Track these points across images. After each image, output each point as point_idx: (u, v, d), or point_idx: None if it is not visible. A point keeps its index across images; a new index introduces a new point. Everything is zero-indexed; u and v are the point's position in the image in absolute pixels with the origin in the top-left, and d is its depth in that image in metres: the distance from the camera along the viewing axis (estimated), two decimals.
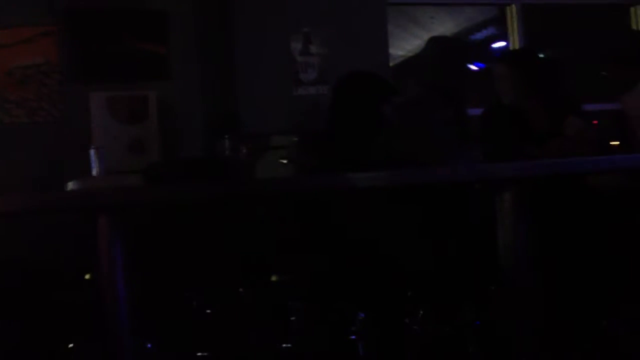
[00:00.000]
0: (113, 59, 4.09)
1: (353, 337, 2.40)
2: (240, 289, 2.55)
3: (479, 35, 5.78)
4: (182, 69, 4.18)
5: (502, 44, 5.32)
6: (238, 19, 4.31)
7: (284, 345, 2.43)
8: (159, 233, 2.59)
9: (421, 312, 2.41)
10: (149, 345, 2.41)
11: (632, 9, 5.38)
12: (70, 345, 2.46)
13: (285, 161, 3.12)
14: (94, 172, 3.40)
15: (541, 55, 3.46)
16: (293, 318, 2.43)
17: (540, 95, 2.88)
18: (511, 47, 5.14)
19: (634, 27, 5.32)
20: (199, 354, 2.47)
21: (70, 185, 3.21)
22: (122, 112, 4.04)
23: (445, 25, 5.54)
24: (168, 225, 2.60)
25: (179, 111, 4.15)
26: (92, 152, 3.44)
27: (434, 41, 3.16)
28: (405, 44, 5.35)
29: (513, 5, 5.12)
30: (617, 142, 3.02)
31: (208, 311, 2.56)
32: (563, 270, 2.43)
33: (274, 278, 2.46)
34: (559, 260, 2.39)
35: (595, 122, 3.48)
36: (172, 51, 4.18)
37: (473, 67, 5.71)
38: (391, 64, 5.08)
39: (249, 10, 4.33)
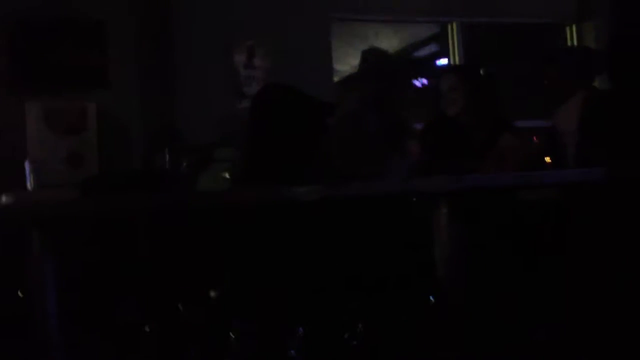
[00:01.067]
0: (51, 69, 4.00)
1: (292, 352, 2.39)
2: (179, 305, 2.51)
3: (422, 52, 5.88)
4: (121, 79, 4.12)
5: (444, 60, 5.42)
6: (180, 29, 4.28)
7: None
8: (97, 246, 2.54)
9: (360, 325, 2.42)
10: None
11: (567, 28, 5.57)
12: None
13: (227, 175, 3.10)
14: (29, 185, 3.31)
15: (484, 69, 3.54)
16: (232, 335, 2.40)
17: (483, 109, 2.93)
18: (452, 63, 5.25)
19: (569, 44, 5.50)
20: None
21: (3, 199, 3.12)
22: (59, 124, 3.95)
23: (390, 42, 5.61)
24: (106, 238, 2.55)
25: (118, 123, 4.08)
26: (27, 164, 3.35)
27: (367, 53, 3.20)
28: (350, 60, 5.40)
29: (454, 23, 5.23)
30: (549, 160, 3.11)
31: (146, 328, 2.51)
32: (499, 283, 2.48)
33: (212, 294, 2.43)
34: (495, 274, 2.43)
35: (535, 138, 3.57)
36: (111, 61, 4.12)
37: (417, 83, 5.81)
38: (336, 79, 5.12)
39: (191, 21, 4.30)
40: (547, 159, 3.04)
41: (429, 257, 2.28)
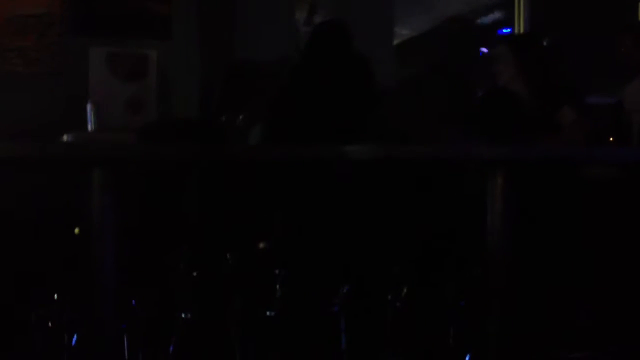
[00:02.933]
0: (116, 15, 4.07)
1: (336, 309, 2.42)
2: (227, 254, 2.57)
3: (486, 20, 5.76)
4: (183, 30, 4.16)
5: (508, 30, 5.30)
6: None
7: (267, 312, 2.45)
8: (148, 193, 2.60)
9: (405, 289, 2.43)
10: (133, 303, 2.42)
11: None
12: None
13: None
14: (90, 126, 3.40)
15: (544, 42, 3.44)
16: (278, 286, 2.45)
17: (537, 79, 2.86)
18: (516, 32, 5.12)
19: None
20: (183, 315, 2.48)
21: (65, 138, 3.21)
22: (121, 69, 4.02)
23: (452, 7, 5.50)
24: (156, 187, 2.60)
25: (178, 71, 4.14)
26: (88, 106, 3.43)
27: (453, 22, 3.14)
28: (411, 23, 5.32)
29: None
30: (612, 138, 3.01)
31: (194, 274, 2.57)
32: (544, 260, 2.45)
33: (261, 245, 2.47)
34: (543, 250, 2.40)
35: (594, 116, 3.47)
36: (174, 11, 4.16)
37: (481, 51, 5.70)
38: (396, 42, 5.05)
39: None
40: (611, 139, 2.96)
41: (479, 226, 2.26)
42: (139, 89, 4.00)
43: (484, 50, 5.63)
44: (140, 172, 2.45)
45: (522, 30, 5.09)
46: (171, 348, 2.38)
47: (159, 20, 4.15)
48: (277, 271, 2.44)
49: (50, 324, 2.38)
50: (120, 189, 1.95)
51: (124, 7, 4.10)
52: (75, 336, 2.33)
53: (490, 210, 2.22)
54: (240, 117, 3.36)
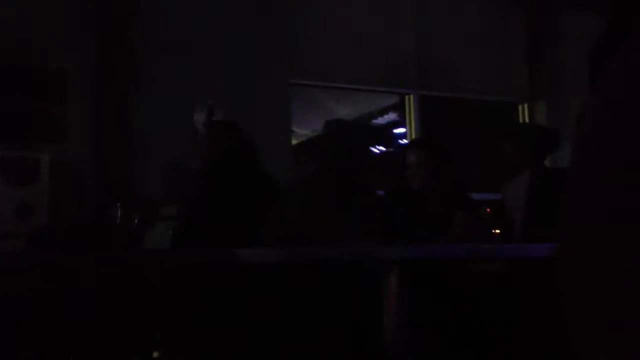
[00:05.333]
0: (6, 118, 3.97)
1: None
2: None
3: (381, 120, 6.01)
4: (77, 132, 4.10)
5: (402, 129, 5.55)
6: (140, 83, 4.31)
7: None
8: (40, 299, 2.47)
9: None
10: None
11: (520, 106, 5.79)
12: None
13: (171, 233, 3.09)
14: None
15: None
16: None
17: (443, 184, 2.99)
18: (409, 133, 5.37)
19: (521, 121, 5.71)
20: None
21: None
22: (11, 174, 3.89)
23: (348, 109, 5.73)
24: (50, 292, 2.48)
25: (71, 175, 4.04)
26: None
27: (330, 125, 3.26)
28: (309, 124, 5.49)
29: (411, 95, 5.39)
30: (498, 230, 3.17)
31: None
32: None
33: (155, 354, 2.38)
34: (440, 344, 2.44)
35: (488, 209, 3.63)
36: (68, 113, 4.11)
37: (375, 150, 5.91)
38: (295, 142, 5.18)
39: (152, 76, 4.33)
40: (496, 231, 3.10)
41: (377, 324, 2.28)
42: (29, 194, 3.87)
43: (381, 148, 5.86)
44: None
45: (413, 131, 5.35)
46: None
47: (52, 123, 4.08)
48: None
49: None
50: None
51: (16, 109, 4.01)
52: None
53: (386, 309, 2.25)
54: (136, 219, 3.30)
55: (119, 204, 3.27)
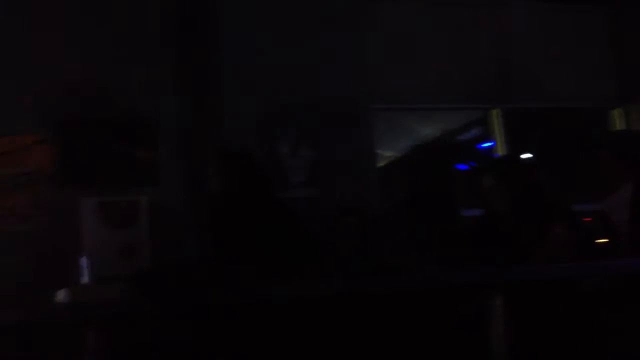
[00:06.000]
0: (103, 165, 4.17)
1: None
2: None
3: (465, 136, 5.92)
4: (169, 174, 4.25)
5: (489, 143, 5.44)
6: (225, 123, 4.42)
7: None
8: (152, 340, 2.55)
9: None
10: None
11: (611, 111, 5.56)
12: None
13: None
14: (85, 279, 3.37)
15: (527, 158, 3.49)
16: None
17: (529, 202, 2.89)
18: (496, 148, 5.26)
19: (615, 128, 5.48)
20: None
21: (61, 294, 3.17)
22: (112, 217, 4.07)
23: (431, 127, 5.67)
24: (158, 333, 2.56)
25: (167, 215, 4.18)
26: (83, 259, 3.42)
27: (419, 149, 3.23)
28: (394, 146, 5.46)
29: (496, 110, 5.28)
30: (604, 240, 3.02)
31: None
32: None
33: None
34: None
35: (588, 219, 3.46)
36: (161, 158, 4.27)
37: (462, 167, 5.81)
38: (380, 164, 5.17)
39: (236, 113, 4.44)
40: (600, 241, 2.95)
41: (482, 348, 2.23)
42: (131, 235, 4.04)
43: (469, 164, 5.75)
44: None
45: (501, 145, 5.23)
46: None
47: (147, 167, 4.25)
48: None
49: None
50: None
51: (111, 157, 4.20)
52: None
53: (493, 334, 2.20)
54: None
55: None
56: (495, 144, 5.30)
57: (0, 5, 4.19)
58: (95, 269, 3.42)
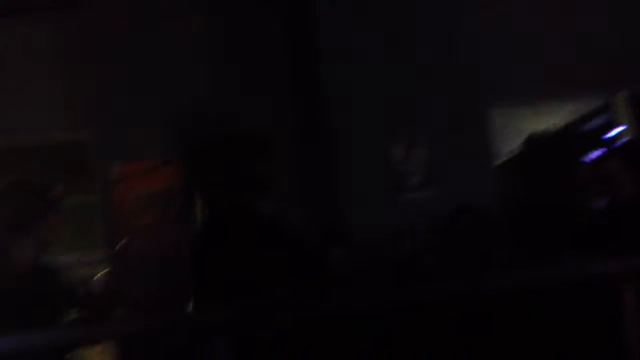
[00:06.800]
0: (220, 181, 4.34)
1: None
2: None
3: (590, 125, 5.66)
4: (285, 186, 4.37)
5: (616, 130, 5.18)
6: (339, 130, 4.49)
7: None
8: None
9: None
10: None
11: None
12: None
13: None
14: None
15: None
16: None
17: None
18: (624, 135, 5.00)
19: None
20: None
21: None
22: None
23: (554, 120, 5.47)
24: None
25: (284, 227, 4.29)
26: None
27: (531, 141, 3.13)
28: (511, 142, 5.31)
29: (621, 95, 5.02)
30: None
31: None
32: None
33: None
34: None
35: None
36: (275, 170, 4.40)
37: (588, 158, 5.55)
38: (500, 161, 5.05)
39: (349, 119, 4.49)
40: None
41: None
42: None
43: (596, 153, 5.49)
44: None
45: (630, 132, 4.97)
46: None
47: (266, 181, 4.38)
48: None
49: None
50: None
51: (233, 174, 4.37)
52: None
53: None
54: (351, 261, 3.40)
55: (335, 249, 3.41)
56: (623, 130, 5.05)
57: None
58: None
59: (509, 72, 4.89)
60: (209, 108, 4.47)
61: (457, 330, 2.36)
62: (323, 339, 2.35)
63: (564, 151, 3.44)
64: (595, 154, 4.97)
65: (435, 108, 4.59)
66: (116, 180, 4.37)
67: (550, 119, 5.46)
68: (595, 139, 5.44)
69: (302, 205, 4.37)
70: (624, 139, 4.87)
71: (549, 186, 2.98)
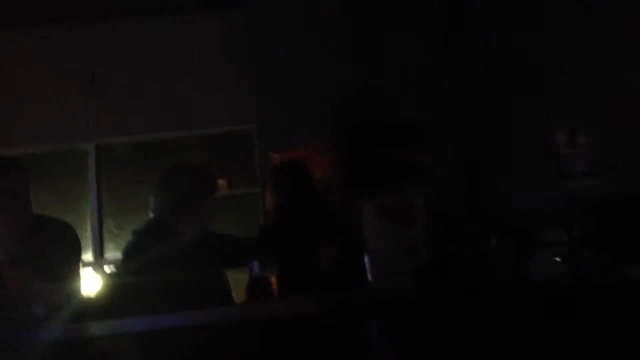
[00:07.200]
0: (381, 170, 4.42)
1: None
2: None
3: None
4: (443, 174, 4.35)
5: None
6: (497, 117, 4.40)
7: None
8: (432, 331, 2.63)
9: None
10: None
11: None
12: None
13: (559, 259, 3.02)
14: (369, 275, 3.59)
15: None
16: None
17: None
18: None
19: None
20: None
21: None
22: (392, 218, 4.28)
23: None
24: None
25: (441, 213, 4.28)
26: (366, 256, 3.65)
27: None
28: None
29: None
30: None
31: None
32: None
33: None
34: None
35: None
36: (434, 158, 4.40)
37: None
38: None
39: (508, 108, 4.39)
40: None
41: None
42: (409, 235, 4.20)
43: None
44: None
45: None
46: None
47: (420, 169, 4.41)
48: None
49: None
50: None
51: (387, 161, 4.44)
52: None
53: None
54: (510, 248, 3.34)
55: (491, 234, 3.36)
56: None
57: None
58: (378, 265, 3.64)
59: None
60: (366, 96, 4.55)
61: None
62: (483, 321, 2.34)
63: None
64: None
65: (599, 95, 4.37)
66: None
67: None
68: None
69: (461, 191, 4.33)
70: None
71: None
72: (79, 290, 2.76)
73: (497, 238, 3.35)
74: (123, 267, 2.89)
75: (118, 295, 2.71)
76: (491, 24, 4.55)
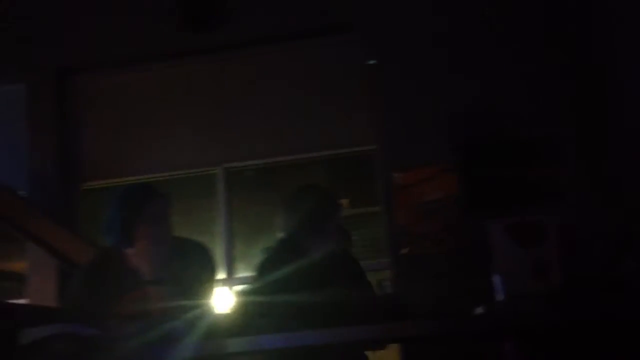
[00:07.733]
0: (507, 187, 4.32)
1: None
2: None
3: None
4: (573, 191, 4.20)
5: None
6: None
7: None
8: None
9: None
10: None
11: None
12: None
13: None
14: (499, 296, 3.51)
15: None
16: None
17: None
18: None
19: None
20: None
21: (479, 310, 3.36)
22: (522, 237, 4.16)
23: None
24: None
25: (575, 232, 4.11)
26: (496, 277, 3.57)
27: None
28: None
29: None
30: None
31: None
32: None
33: None
34: None
35: None
36: (561, 174, 4.26)
37: None
38: None
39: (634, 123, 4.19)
40: None
41: None
42: (540, 254, 4.06)
43: None
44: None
45: None
46: None
47: (549, 186, 4.27)
48: None
49: None
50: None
51: (513, 178, 4.33)
52: None
53: None
54: None
55: (630, 254, 3.19)
56: None
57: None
58: (508, 286, 3.54)
59: None
60: (484, 112, 4.48)
61: None
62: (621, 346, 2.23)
63: None
64: None
65: None
66: (398, 188, 4.58)
67: None
68: None
69: (592, 211, 4.16)
70: None
71: None
72: (214, 308, 2.90)
73: (636, 258, 3.17)
74: (257, 283, 3.00)
75: (252, 313, 2.82)
76: (621, 35, 4.36)
